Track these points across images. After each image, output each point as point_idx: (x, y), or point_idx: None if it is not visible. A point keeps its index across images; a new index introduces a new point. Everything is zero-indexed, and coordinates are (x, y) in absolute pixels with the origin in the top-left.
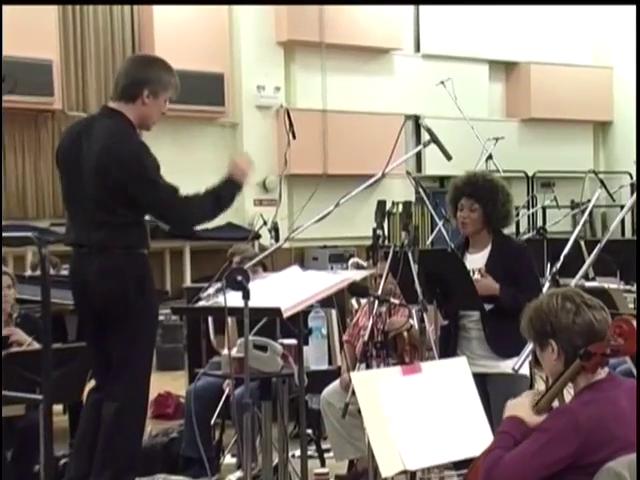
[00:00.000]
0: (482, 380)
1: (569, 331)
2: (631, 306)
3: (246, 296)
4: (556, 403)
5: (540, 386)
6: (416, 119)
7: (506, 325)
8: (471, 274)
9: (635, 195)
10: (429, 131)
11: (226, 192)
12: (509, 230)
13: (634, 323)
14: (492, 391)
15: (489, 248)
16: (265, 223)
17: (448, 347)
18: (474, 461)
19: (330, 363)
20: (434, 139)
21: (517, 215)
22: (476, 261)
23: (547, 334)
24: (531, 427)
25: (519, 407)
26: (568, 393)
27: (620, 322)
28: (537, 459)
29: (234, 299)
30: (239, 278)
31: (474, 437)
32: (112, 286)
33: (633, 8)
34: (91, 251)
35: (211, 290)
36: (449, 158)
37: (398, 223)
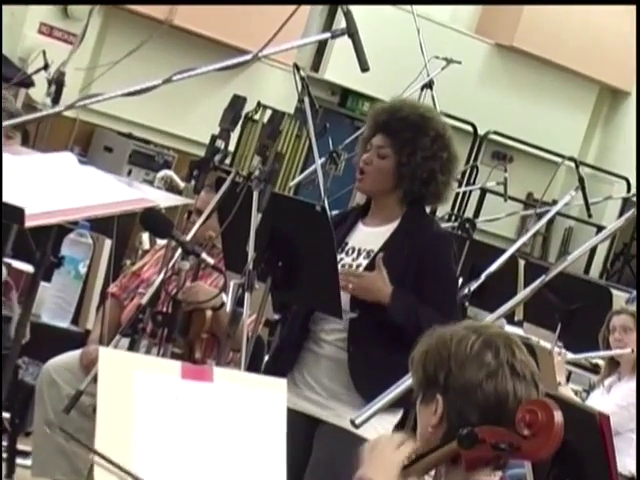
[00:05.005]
0: (310, 426)
1: (467, 394)
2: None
3: None
4: None
5: None
6: None
7: (390, 350)
8: (347, 259)
9: (621, 219)
10: (347, 15)
11: None
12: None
13: (557, 415)
14: (317, 448)
15: (395, 225)
16: (46, 66)
17: (280, 359)
18: None
19: (75, 322)
20: (351, 31)
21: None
22: (370, 238)
23: (437, 384)
24: None
25: (386, 467)
26: None
27: (535, 406)
28: None
29: None
30: None
31: None
32: None
33: None
34: None
35: None
36: (365, 69)
37: (257, 140)
